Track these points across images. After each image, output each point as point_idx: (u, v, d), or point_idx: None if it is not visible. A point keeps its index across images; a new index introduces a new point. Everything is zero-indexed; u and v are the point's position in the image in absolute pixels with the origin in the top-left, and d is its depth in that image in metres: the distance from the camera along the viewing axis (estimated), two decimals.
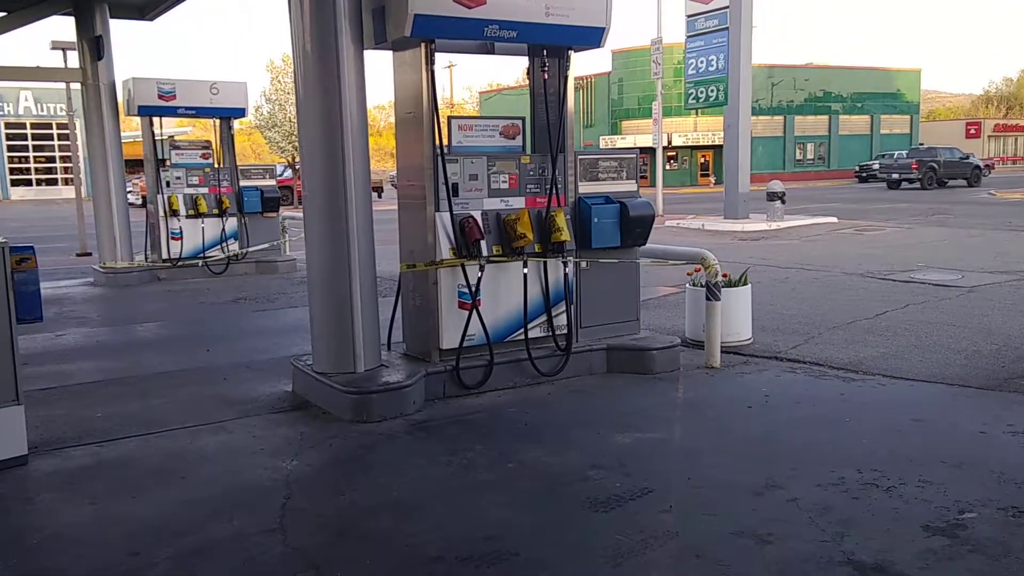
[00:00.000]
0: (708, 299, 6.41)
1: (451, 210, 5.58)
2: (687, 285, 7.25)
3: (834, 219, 20.38)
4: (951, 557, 3.32)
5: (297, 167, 32.71)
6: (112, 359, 7.38)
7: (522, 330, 5.88)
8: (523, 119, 6.08)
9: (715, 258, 6.46)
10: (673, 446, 4.83)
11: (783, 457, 4.49)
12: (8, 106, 48.14)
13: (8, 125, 48.66)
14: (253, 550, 3.53)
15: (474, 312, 5.63)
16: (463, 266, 5.58)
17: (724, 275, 6.73)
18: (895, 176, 37.28)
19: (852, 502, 3.86)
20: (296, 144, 40.97)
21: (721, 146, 25.78)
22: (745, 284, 7.16)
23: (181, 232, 12.23)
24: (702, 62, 21.23)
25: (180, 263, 12.21)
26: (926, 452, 4.51)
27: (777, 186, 19.85)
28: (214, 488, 4.22)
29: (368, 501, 4.07)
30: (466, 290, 5.61)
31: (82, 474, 4.44)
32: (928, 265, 11.87)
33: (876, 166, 47.13)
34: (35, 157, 49.94)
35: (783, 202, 19.60)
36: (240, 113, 13.01)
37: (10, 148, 49.02)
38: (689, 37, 21.54)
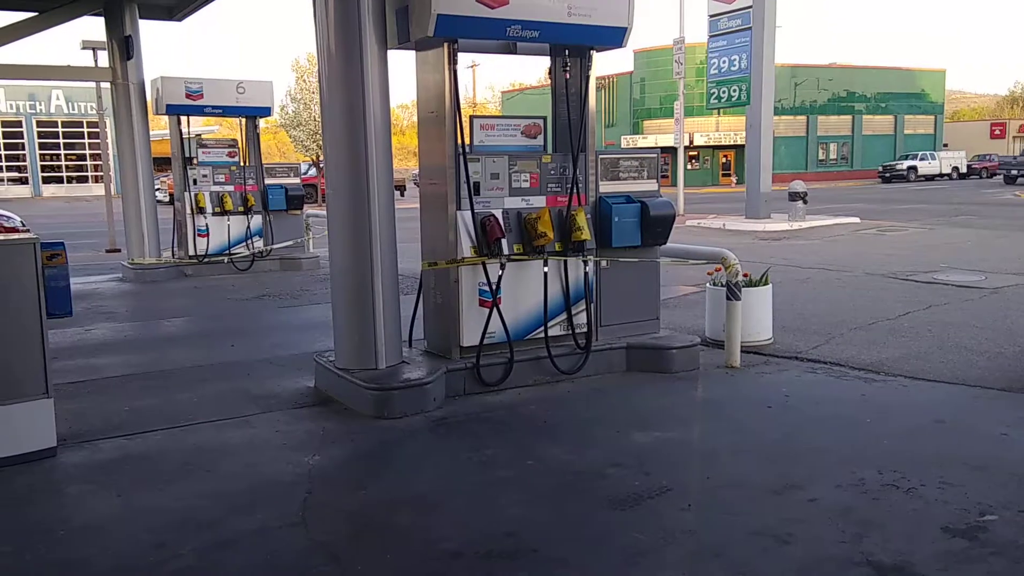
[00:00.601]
0: (728, 299, 6.41)
1: (472, 209, 5.62)
2: (707, 285, 7.24)
3: (856, 219, 20.22)
4: (971, 559, 3.31)
5: (321, 165, 32.95)
6: (139, 354, 7.50)
7: (542, 328, 5.91)
8: (544, 118, 6.11)
9: (736, 258, 6.45)
10: (692, 445, 4.84)
11: (803, 457, 4.49)
12: (40, 105, 48.83)
13: (40, 123, 49.36)
14: (276, 543, 3.59)
15: (495, 310, 5.67)
16: (484, 264, 5.62)
17: (745, 275, 6.72)
18: (1013, 172, 39.87)
19: (872, 503, 3.85)
20: (320, 143, 41.24)
21: (743, 146, 25.61)
22: (766, 284, 7.15)
23: (207, 229, 12.37)
24: (725, 62, 21.14)
25: (206, 260, 12.35)
26: (947, 454, 4.49)
27: (799, 186, 19.73)
28: (238, 482, 4.29)
29: (389, 496, 4.12)
30: (487, 288, 5.65)
31: (109, 467, 4.52)
32: (951, 266, 11.76)
33: (903, 167, 46.93)
34: (66, 155, 50.63)
35: (805, 202, 19.48)
36: (266, 112, 13.14)
37: (42, 146, 49.74)
38: (712, 37, 21.44)
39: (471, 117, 5.86)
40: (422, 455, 4.69)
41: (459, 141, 5.56)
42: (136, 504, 4.03)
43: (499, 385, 5.73)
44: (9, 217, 16.37)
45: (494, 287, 5.63)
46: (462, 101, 5.61)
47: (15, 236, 5.28)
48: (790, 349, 6.95)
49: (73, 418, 5.26)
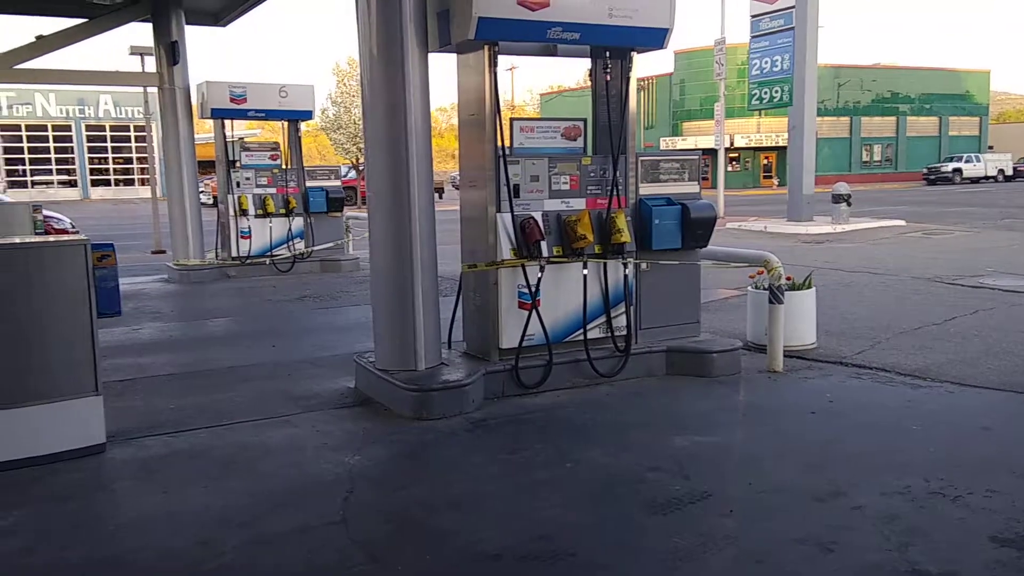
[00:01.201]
0: (771, 302, 6.33)
1: (512, 211, 5.63)
2: (749, 288, 7.17)
3: (901, 222, 19.85)
4: (1020, 569, 3.24)
5: (361, 168, 33.24)
6: (184, 353, 7.64)
7: (581, 331, 5.90)
8: (584, 120, 6.10)
9: (779, 260, 6.38)
10: (733, 450, 4.79)
11: (847, 464, 4.42)
12: (89, 109, 50.01)
13: (89, 127, 50.56)
14: (316, 542, 3.62)
15: (534, 312, 5.67)
16: (523, 267, 5.62)
17: (788, 278, 6.64)
18: None
19: (918, 511, 3.78)
20: (360, 146, 41.65)
21: (784, 147, 25.32)
22: (809, 287, 7.05)
23: (250, 231, 12.55)
24: (766, 62, 20.89)
25: (248, 261, 12.53)
26: (995, 461, 4.39)
27: (843, 188, 19.44)
28: (279, 480, 4.34)
29: (428, 497, 4.14)
30: (526, 290, 5.66)
31: (155, 463, 4.61)
32: (998, 270, 11.49)
33: (947, 169, 46.01)
34: (114, 158, 51.78)
35: (849, 204, 19.19)
36: (307, 115, 13.30)
37: (90, 150, 50.94)
38: (753, 37, 21.21)
39: (511, 119, 5.87)
40: (461, 456, 4.70)
41: (499, 143, 5.58)
42: (181, 501, 4.10)
43: (538, 387, 5.73)
44: (59, 219, 16.77)
45: (533, 289, 5.64)
46: (501, 104, 5.61)
47: (67, 237, 5.41)
48: (834, 354, 6.85)
49: (121, 415, 5.37)
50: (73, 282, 4.49)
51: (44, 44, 11.85)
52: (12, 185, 46.06)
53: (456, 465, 4.57)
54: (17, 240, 4.69)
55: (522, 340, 5.68)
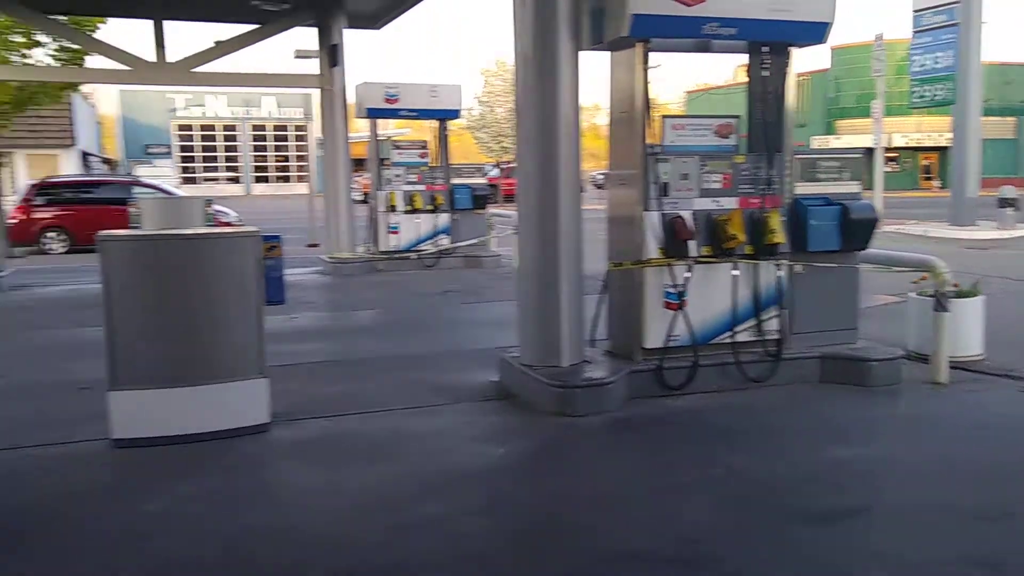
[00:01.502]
0: (935, 310, 5.95)
1: (661, 209, 5.56)
2: (910, 294, 6.76)
3: None
4: None
5: (502, 167, 33.74)
6: (335, 342, 8.01)
7: (728, 333, 5.75)
8: (738, 117, 5.94)
9: (945, 266, 5.99)
10: (893, 463, 4.53)
11: (1016, 483, 4.10)
12: (254, 110, 53.29)
13: (254, 127, 53.92)
14: (460, 529, 3.71)
15: (680, 313, 5.58)
16: (671, 266, 5.54)
17: (954, 284, 6.22)
18: None
19: None
20: (503, 144, 42.32)
21: (946, 148, 23.76)
22: (977, 295, 6.58)
23: (398, 227, 12.98)
24: (928, 59, 19.69)
25: (396, 256, 12.97)
26: None
27: (1010, 191, 18.19)
28: (426, 468, 4.47)
29: (572, 493, 4.16)
30: (673, 290, 5.57)
31: (313, 445, 4.86)
32: None
33: None
34: (275, 156, 54.95)
35: (1016, 209, 17.88)
36: (455, 115, 13.62)
37: (254, 148, 54.31)
38: (916, 33, 20.02)
39: (663, 117, 5.81)
40: (603, 455, 4.70)
41: (649, 141, 5.52)
42: (336, 481, 4.30)
43: (682, 389, 5.63)
44: (226, 213, 17.96)
45: (680, 289, 5.54)
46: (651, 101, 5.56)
47: (237, 229, 5.77)
48: (1002, 366, 6.35)
49: (282, 398, 5.67)
50: (245, 270, 4.80)
51: (220, 48, 12.70)
52: (184, 181, 49.66)
53: (599, 463, 4.56)
54: (199, 231, 5.05)
55: (667, 340, 5.60)
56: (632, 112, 5.58)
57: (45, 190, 17.85)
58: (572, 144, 5.62)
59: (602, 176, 24.82)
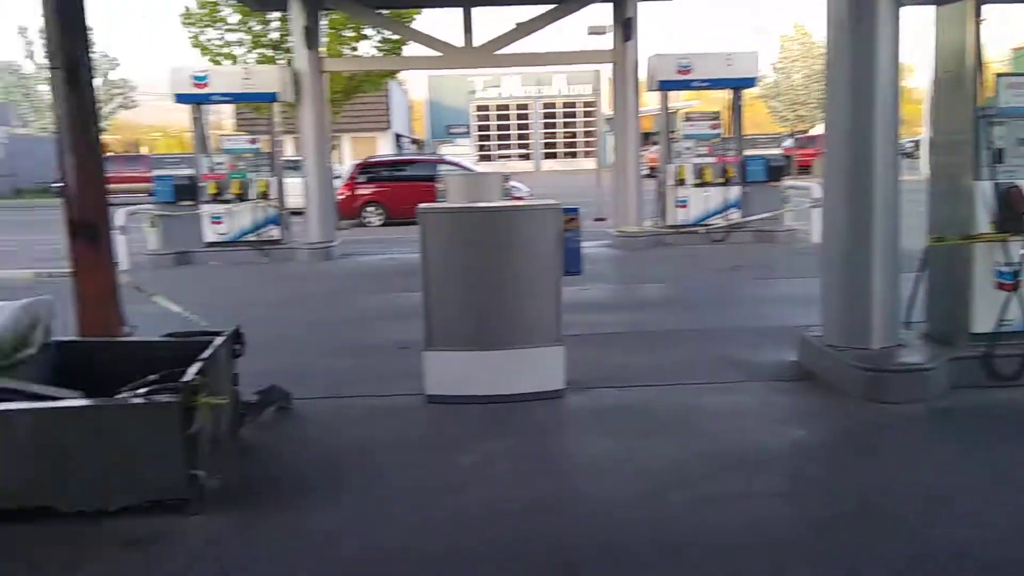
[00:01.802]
0: None
1: (994, 178, 4.96)
2: None
3: None
4: None
5: (797, 137, 31.96)
6: (624, 313, 8.13)
7: None
8: None
9: None
10: None
11: None
12: (545, 88, 55.37)
13: (544, 105, 56.04)
14: (761, 510, 3.61)
15: (1014, 295, 4.95)
16: (1004, 242, 4.93)
17: None
18: None
19: None
20: (798, 113, 40.05)
21: None
22: None
23: (687, 200, 12.81)
24: None
25: (684, 230, 12.82)
26: None
27: None
28: (721, 444, 4.39)
29: (884, 482, 3.88)
30: (1007, 269, 4.95)
31: (605, 413, 4.97)
32: None
33: None
34: (564, 133, 56.74)
35: None
36: (750, 83, 13.09)
37: (544, 125, 56.48)
38: None
39: (998, 75, 5.15)
40: (921, 445, 4.31)
41: (980, 103, 4.92)
42: (629, 450, 4.37)
43: (1017, 379, 5.00)
44: (519, 188, 18.85)
45: (1016, 268, 4.91)
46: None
47: (540, 202, 6.04)
48: None
49: (575, 366, 5.86)
50: (548, 241, 5.02)
51: (521, 30, 13.28)
52: (481, 159, 52.89)
53: (918, 454, 4.20)
54: (507, 204, 5.36)
55: (998, 325, 5.00)
56: (960, 71, 5.01)
57: (366, 169, 19.93)
58: (890, 109, 5.16)
59: (911, 144, 22.50)
